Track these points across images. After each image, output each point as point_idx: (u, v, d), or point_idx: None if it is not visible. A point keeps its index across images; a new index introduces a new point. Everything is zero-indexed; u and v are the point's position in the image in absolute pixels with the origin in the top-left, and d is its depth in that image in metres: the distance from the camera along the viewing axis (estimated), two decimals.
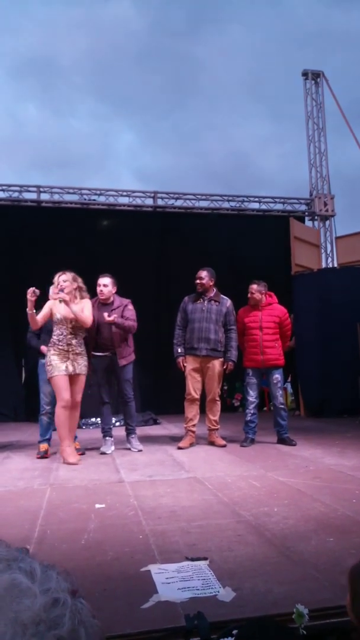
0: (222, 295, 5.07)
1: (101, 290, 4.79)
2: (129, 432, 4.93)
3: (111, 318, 4.62)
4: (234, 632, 1.39)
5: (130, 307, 4.87)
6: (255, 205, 9.09)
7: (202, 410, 5.13)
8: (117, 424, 6.03)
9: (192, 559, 2.05)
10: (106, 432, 4.95)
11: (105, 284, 4.80)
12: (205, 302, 4.98)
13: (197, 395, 5.00)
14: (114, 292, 4.86)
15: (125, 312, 4.78)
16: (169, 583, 1.83)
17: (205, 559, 2.05)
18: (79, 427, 6.72)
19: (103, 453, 4.75)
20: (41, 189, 8.23)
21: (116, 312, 4.72)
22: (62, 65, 19.83)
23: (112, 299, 4.86)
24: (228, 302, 5.06)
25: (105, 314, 4.65)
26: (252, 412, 5.02)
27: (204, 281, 4.99)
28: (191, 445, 4.95)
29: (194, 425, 4.98)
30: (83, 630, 0.37)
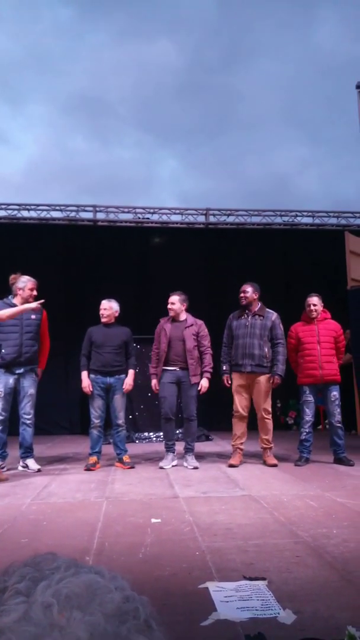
0: (267, 309, 5.02)
1: (169, 308, 4.97)
2: (187, 450, 4.94)
3: (204, 388, 4.89)
4: None
5: (205, 331, 4.99)
6: (309, 220, 8.98)
7: (254, 427, 5.09)
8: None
9: (250, 579, 2.03)
10: (169, 447, 5.01)
11: (173, 302, 4.98)
12: (249, 317, 4.96)
13: (244, 413, 4.96)
14: (183, 309, 4.99)
15: (202, 340, 4.93)
16: (227, 602, 1.82)
17: (263, 579, 2.03)
18: (132, 441, 6.82)
19: (161, 468, 4.78)
20: (97, 209, 8.51)
21: (190, 330, 4.89)
22: (108, 100, 21.28)
23: (184, 316, 4.99)
24: (274, 315, 4.99)
25: (204, 384, 4.89)
26: (307, 430, 4.91)
27: (247, 294, 4.96)
28: (241, 462, 4.91)
29: (242, 443, 4.94)
30: (153, 621, 0.41)
